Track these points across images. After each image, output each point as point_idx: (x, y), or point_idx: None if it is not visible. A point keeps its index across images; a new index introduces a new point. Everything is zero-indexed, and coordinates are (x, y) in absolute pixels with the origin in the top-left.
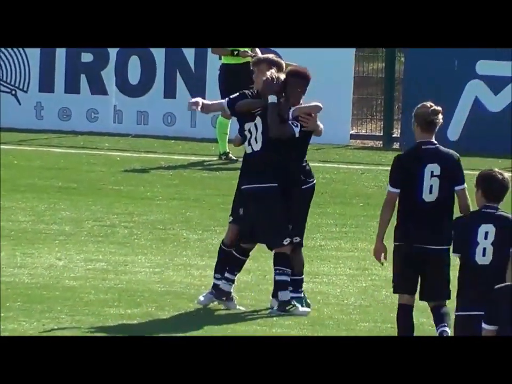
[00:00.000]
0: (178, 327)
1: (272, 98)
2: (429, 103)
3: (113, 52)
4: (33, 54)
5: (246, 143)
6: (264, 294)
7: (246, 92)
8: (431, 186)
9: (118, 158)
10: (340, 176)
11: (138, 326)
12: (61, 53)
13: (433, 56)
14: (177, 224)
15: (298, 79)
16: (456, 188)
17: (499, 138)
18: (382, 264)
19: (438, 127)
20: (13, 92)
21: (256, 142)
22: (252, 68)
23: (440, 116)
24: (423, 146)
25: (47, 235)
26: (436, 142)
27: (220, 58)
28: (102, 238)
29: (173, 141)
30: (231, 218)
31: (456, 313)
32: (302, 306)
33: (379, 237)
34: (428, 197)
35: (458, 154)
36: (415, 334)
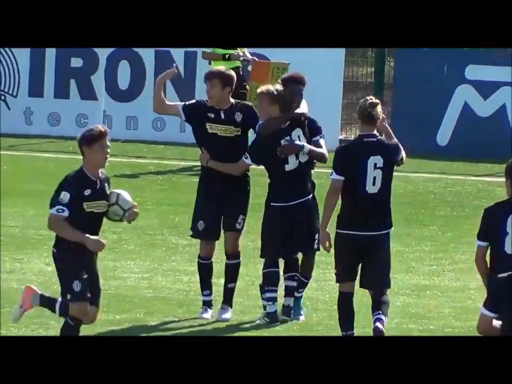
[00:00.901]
0: (167, 333)
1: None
2: (369, 97)
3: (102, 57)
4: (23, 58)
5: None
6: (253, 299)
7: (202, 100)
8: (374, 178)
9: (107, 164)
10: (328, 182)
11: (127, 331)
12: (50, 58)
13: (422, 61)
14: (166, 230)
15: (296, 84)
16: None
17: (488, 143)
18: (329, 251)
19: (377, 120)
20: (2, 97)
21: (296, 158)
22: (204, 81)
23: (379, 109)
24: (365, 139)
25: (36, 240)
26: (377, 134)
27: (210, 63)
28: None
29: (162, 146)
30: (194, 232)
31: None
32: (301, 308)
33: (323, 225)
34: (371, 188)
35: (399, 144)
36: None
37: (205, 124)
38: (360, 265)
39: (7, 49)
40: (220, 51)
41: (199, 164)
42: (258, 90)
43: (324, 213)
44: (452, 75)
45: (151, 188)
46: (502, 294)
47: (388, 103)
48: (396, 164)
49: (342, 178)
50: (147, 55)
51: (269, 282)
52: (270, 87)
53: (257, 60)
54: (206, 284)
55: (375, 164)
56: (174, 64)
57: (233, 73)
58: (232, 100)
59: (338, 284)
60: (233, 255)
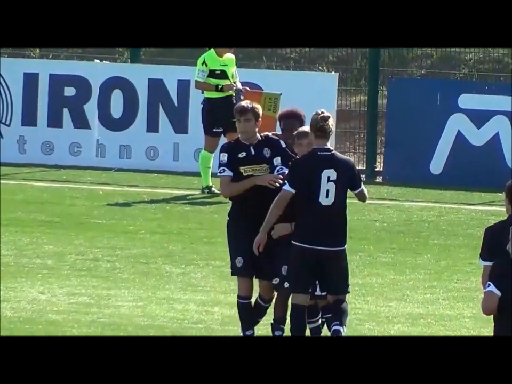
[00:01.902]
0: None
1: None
2: (320, 110)
3: (95, 86)
4: (16, 87)
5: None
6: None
7: (226, 144)
8: (328, 190)
9: (101, 192)
10: None
11: None
12: (43, 87)
13: (415, 90)
14: (160, 258)
15: (287, 119)
16: (355, 192)
17: (482, 172)
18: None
19: (330, 133)
20: None
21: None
22: (235, 117)
23: (330, 122)
24: (319, 152)
25: (29, 269)
26: (331, 148)
27: (203, 92)
28: (85, 272)
29: (155, 174)
30: (234, 271)
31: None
32: None
33: (264, 229)
34: (325, 200)
35: (352, 161)
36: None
37: (238, 168)
38: (315, 277)
39: (0, 78)
40: (213, 81)
41: (192, 192)
42: (306, 129)
43: (267, 219)
44: (445, 104)
45: (144, 217)
46: (496, 243)
47: (381, 132)
48: (353, 186)
49: (292, 191)
50: (140, 83)
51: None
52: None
53: (248, 89)
54: (247, 324)
55: (328, 177)
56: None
57: (259, 106)
58: (258, 135)
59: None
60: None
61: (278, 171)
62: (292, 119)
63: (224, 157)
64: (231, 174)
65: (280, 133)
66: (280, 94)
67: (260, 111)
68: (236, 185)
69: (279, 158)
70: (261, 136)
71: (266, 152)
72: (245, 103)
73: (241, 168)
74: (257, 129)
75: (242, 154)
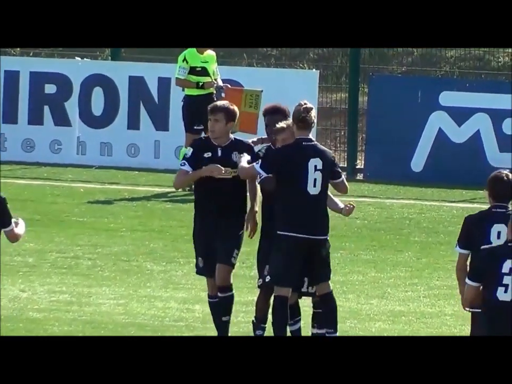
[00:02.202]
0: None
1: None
2: (303, 101)
3: (76, 83)
4: None
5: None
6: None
7: (197, 140)
8: (315, 179)
9: (82, 190)
10: None
11: None
12: (24, 84)
13: (396, 87)
14: (141, 256)
15: (279, 116)
16: (336, 181)
17: (463, 169)
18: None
19: (312, 124)
20: None
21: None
22: (208, 115)
23: (313, 113)
24: (303, 143)
25: (10, 267)
26: (313, 139)
27: (183, 90)
28: (66, 270)
29: (136, 172)
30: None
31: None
32: None
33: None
34: (312, 189)
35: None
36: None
37: (201, 167)
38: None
39: None
40: (194, 78)
41: (173, 190)
42: (281, 125)
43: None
44: (426, 101)
45: (125, 214)
46: (485, 264)
47: (362, 130)
48: (335, 175)
49: (263, 173)
50: (121, 81)
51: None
52: (289, 121)
53: (229, 86)
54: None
55: (315, 166)
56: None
57: (236, 109)
58: (232, 137)
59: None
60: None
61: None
62: (276, 114)
63: (190, 151)
64: (189, 169)
65: (264, 134)
66: (262, 91)
67: (237, 114)
68: (184, 177)
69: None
70: (233, 139)
71: (235, 156)
72: (220, 103)
73: (204, 167)
74: (230, 132)
75: (208, 154)
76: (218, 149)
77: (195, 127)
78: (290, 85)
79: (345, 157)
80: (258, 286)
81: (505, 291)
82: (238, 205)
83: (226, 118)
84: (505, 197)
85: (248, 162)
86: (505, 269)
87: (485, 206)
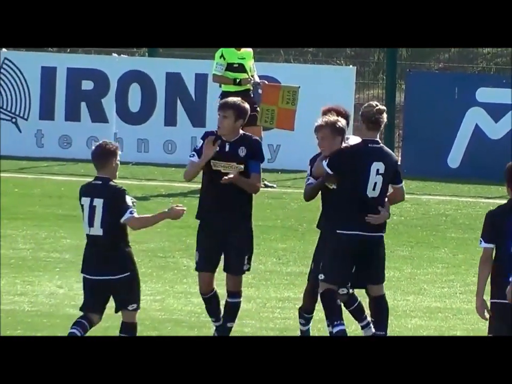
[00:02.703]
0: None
1: None
2: (374, 103)
3: (113, 80)
4: (34, 81)
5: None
6: (265, 322)
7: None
8: (375, 183)
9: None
10: None
11: None
12: (61, 81)
13: (433, 84)
14: (178, 252)
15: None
16: (396, 186)
17: (499, 165)
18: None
19: (382, 126)
20: (14, 120)
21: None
22: (217, 110)
23: (385, 115)
24: (369, 145)
25: (47, 263)
26: (380, 141)
27: (220, 86)
28: None
29: (173, 168)
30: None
31: (492, 301)
32: None
33: None
34: (371, 192)
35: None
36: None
37: (209, 161)
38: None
39: (18, 72)
40: (231, 75)
41: None
42: (320, 123)
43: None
44: (462, 98)
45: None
46: (498, 225)
47: (399, 126)
48: (396, 180)
49: (331, 173)
50: (158, 77)
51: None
52: (331, 119)
53: (267, 82)
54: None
55: (377, 170)
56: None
57: (248, 106)
58: (241, 132)
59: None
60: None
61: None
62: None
63: (200, 144)
64: (198, 160)
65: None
66: (299, 87)
67: (247, 112)
68: (192, 168)
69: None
70: (242, 135)
71: (241, 151)
72: (232, 99)
73: (211, 161)
74: (239, 128)
75: (216, 148)
76: (227, 144)
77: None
78: (327, 81)
79: None
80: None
81: None
82: (241, 204)
83: (236, 115)
84: None
85: (250, 164)
86: None
87: None
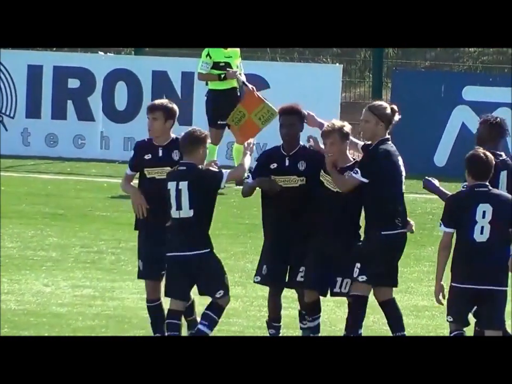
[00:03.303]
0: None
1: None
2: (383, 102)
3: (99, 78)
4: (20, 80)
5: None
6: (252, 320)
7: (140, 142)
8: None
9: (105, 184)
10: None
11: None
12: (47, 79)
13: (419, 82)
14: None
15: (295, 117)
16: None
17: None
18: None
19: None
20: (0, 118)
21: None
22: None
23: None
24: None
25: (34, 261)
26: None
27: (207, 84)
28: (89, 264)
29: None
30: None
31: (452, 284)
32: None
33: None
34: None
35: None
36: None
37: (143, 169)
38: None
39: (4, 70)
40: (215, 72)
41: None
42: (328, 128)
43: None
44: (449, 96)
45: None
46: (460, 208)
47: None
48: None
49: (366, 180)
50: (144, 75)
51: None
52: (337, 124)
53: (255, 90)
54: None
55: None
56: None
57: (175, 107)
58: (172, 135)
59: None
60: None
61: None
62: (293, 115)
63: (131, 155)
64: (132, 172)
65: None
66: (277, 113)
67: (176, 112)
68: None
69: None
70: (174, 138)
71: (175, 155)
72: (159, 101)
73: (145, 169)
74: (170, 130)
75: (148, 156)
76: (160, 148)
77: (218, 122)
78: (313, 79)
79: None
80: (257, 282)
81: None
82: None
83: (165, 116)
84: (485, 176)
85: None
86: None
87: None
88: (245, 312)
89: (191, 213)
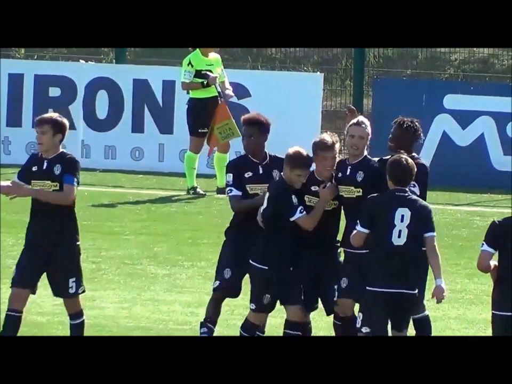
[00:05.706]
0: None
1: None
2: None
3: (81, 86)
4: (1, 88)
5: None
6: (232, 329)
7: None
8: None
9: (86, 193)
10: None
11: None
12: (28, 87)
13: (401, 90)
14: (145, 259)
15: (256, 128)
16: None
17: (467, 172)
18: None
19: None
20: None
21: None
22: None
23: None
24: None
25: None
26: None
27: (188, 93)
28: None
29: (140, 175)
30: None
31: (369, 288)
32: None
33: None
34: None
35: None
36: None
37: (30, 182)
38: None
39: None
40: (198, 80)
41: (178, 193)
42: (330, 143)
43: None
44: (430, 104)
45: (129, 218)
46: (503, 232)
47: None
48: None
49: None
50: (125, 84)
51: None
52: (334, 138)
53: (224, 105)
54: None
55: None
56: None
57: (65, 120)
58: (61, 150)
59: None
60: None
61: None
62: (253, 125)
63: (22, 167)
64: (21, 183)
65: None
66: (240, 136)
67: (65, 126)
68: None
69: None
70: (61, 153)
71: (57, 168)
72: (48, 115)
73: (32, 182)
74: (59, 144)
75: (35, 168)
76: (45, 161)
77: (199, 130)
78: (294, 88)
79: None
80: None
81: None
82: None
83: (54, 129)
84: (405, 181)
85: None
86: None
87: (490, 210)
88: (226, 321)
89: None
